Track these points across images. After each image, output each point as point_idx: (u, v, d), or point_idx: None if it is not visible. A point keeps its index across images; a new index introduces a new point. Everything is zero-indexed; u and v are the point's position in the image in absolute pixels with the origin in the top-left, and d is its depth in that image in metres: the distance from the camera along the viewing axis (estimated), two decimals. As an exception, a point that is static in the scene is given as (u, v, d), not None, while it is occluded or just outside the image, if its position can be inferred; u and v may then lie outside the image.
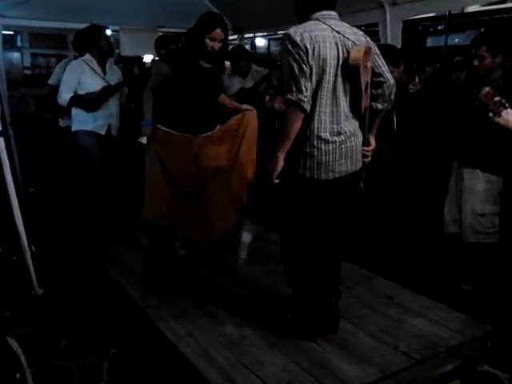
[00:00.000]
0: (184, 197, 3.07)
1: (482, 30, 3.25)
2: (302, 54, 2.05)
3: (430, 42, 9.95)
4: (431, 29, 9.97)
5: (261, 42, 11.67)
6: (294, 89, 2.07)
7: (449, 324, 2.50)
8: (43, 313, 3.02)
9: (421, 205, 3.40)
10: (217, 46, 2.85)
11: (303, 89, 2.05)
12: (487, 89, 2.24)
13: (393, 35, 3.98)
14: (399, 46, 3.79)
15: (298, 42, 2.06)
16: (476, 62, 2.94)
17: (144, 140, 2.98)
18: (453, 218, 3.25)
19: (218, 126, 3.13)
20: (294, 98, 2.06)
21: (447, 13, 8.58)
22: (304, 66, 2.05)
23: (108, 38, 3.97)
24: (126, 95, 4.26)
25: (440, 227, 3.33)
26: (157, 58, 6.97)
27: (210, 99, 3.07)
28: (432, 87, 3.40)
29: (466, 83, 3.78)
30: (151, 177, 3.04)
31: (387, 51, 3.36)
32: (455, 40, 9.54)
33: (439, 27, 9.75)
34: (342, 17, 2.29)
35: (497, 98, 2.11)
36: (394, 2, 3.97)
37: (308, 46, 2.05)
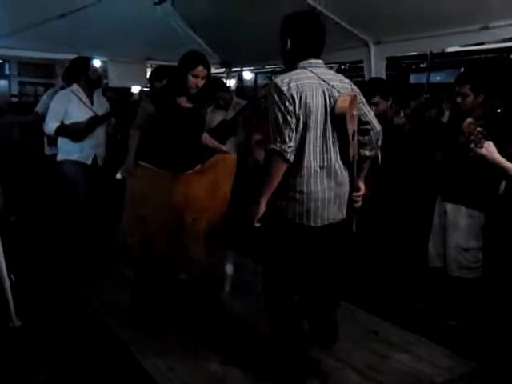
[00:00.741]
0: (157, 230, 3.02)
1: (462, 69, 3.36)
2: (287, 104, 2.08)
3: (412, 79, 10.22)
4: (414, 66, 10.28)
5: (248, 75, 11.85)
6: (278, 139, 2.09)
7: (434, 360, 2.50)
8: (21, 345, 2.92)
9: (405, 239, 3.42)
10: (200, 82, 2.91)
11: (287, 139, 2.08)
12: (469, 119, 2.31)
13: (377, 71, 4.09)
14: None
15: (285, 91, 2.09)
16: (459, 99, 3.03)
17: (118, 176, 3.07)
18: (437, 252, 3.27)
19: (199, 166, 3.14)
20: (277, 148, 2.09)
21: (428, 52, 8.86)
22: (289, 117, 2.08)
23: (96, 69, 4.02)
24: (112, 126, 4.27)
25: (424, 261, 3.34)
26: (145, 89, 7.05)
27: (192, 138, 3.09)
28: (415, 122, 3.46)
29: (449, 120, 3.88)
30: (127, 206, 3.04)
31: (377, 83, 3.47)
32: (437, 78, 9.83)
33: (421, 65, 10.05)
34: (328, 54, 2.35)
35: (478, 129, 2.17)
36: (378, 41, 4.11)
37: (295, 96, 2.09)
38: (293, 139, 2.09)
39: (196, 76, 2.88)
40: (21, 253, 3.89)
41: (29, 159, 5.02)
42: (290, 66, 2.25)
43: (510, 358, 2.69)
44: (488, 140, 2.15)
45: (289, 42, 2.25)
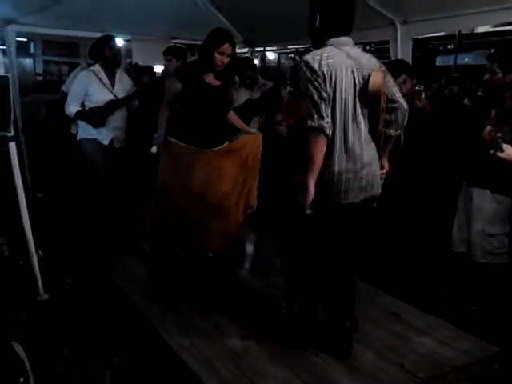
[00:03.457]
0: (189, 208, 3.08)
1: (492, 50, 3.28)
2: (320, 80, 2.07)
3: (439, 60, 9.99)
4: (441, 48, 10.02)
5: (271, 55, 11.75)
6: (315, 115, 2.08)
7: (455, 344, 2.47)
8: (48, 318, 3.01)
9: (429, 222, 3.38)
10: (225, 59, 2.94)
11: (324, 115, 2.07)
12: (489, 127, 2.36)
13: (403, 53, 4.00)
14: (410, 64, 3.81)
15: (317, 68, 2.08)
16: (487, 76, 2.98)
17: (154, 149, 3.06)
18: (461, 237, 3.24)
19: (227, 143, 3.18)
20: (315, 125, 2.07)
21: (457, 32, 8.62)
22: (323, 93, 2.07)
23: (112, 47, 3.99)
24: (136, 107, 4.28)
25: (448, 246, 3.31)
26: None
27: (218, 115, 3.12)
28: (436, 104, 3.39)
29: (475, 103, 3.80)
30: (159, 188, 3.10)
31: (402, 63, 3.42)
32: (465, 59, 9.58)
33: (449, 46, 9.80)
34: (354, 34, 2.31)
35: (498, 135, 2.25)
36: (405, 20, 4.00)
37: (325, 73, 2.08)
38: (329, 115, 2.08)
39: (222, 53, 2.92)
40: (48, 229, 3.99)
41: (55, 138, 5.09)
42: (319, 44, 2.23)
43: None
44: (506, 143, 2.19)
45: (318, 18, 2.22)
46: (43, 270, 3.24)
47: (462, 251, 3.24)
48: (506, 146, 2.21)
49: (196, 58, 3.36)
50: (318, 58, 2.11)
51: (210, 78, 3.02)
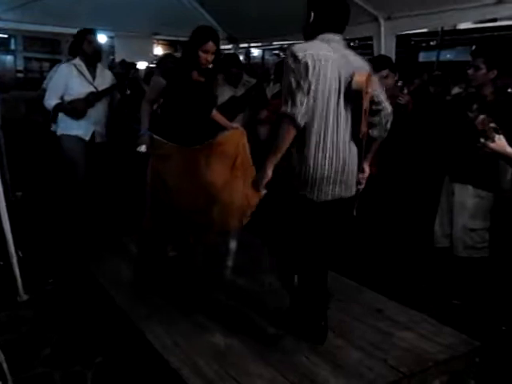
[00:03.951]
0: (182, 207, 3.06)
1: (474, 46, 3.30)
2: (301, 69, 2.08)
3: (422, 56, 10.07)
4: (424, 44, 10.11)
5: (256, 52, 11.72)
6: (289, 102, 2.09)
7: (437, 338, 2.49)
8: (28, 319, 2.96)
9: (411, 218, 3.40)
10: (210, 57, 2.96)
11: (298, 103, 2.08)
12: (483, 116, 2.33)
13: (387, 49, 4.02)
14: (393, 60, 3.83)
15: (300, 58, 2.09)
16: (471, 71, 2.97)
17: (143, 148, 3.02)
18: (443, 232, 3.26)
19: (210, 140, 3.14)
20: (287, 112, 2.09)
21: (440, 29, 8.69)
22: (302, 82, 2.08)
23: (92, 41, 3.91)
24: (118, 100, 4.23)
25: (430, 241, 3.33)
26: (151, 66, 7.00)
27: (203, 112, 3.12)
28: (418, 100, 3.41)
29: (457, 99, 3.82)
30: (152, 190, 3.08)
31: (385, 59, 3.43)
32: (447, 56, 9.68)
33: (431, 43, 9.89)
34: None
35: (492, 125, 2.20)
36: (389, 17, 4.03)
37: (309, 63, 2.09)
38: (304, 104, 2.08)
39: (206, 51, 2.93)
40: (27, 228, 3.92)
41: (35, 135, 5.01)
42: (310, 38, 2.25)
43: (513, 337, 2.71)
44: (499, 134, 2.17)
45: (312, 15, 2.26)
46: (23, 271, 3.19)
47: (444, 246, 3.26)
48: (497, 137, 2.18)
49: (179, 54, 3.33)
50: (304, 48, 2.14)
51: (194, 75, 3.02)
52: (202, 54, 2.92)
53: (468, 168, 3.04)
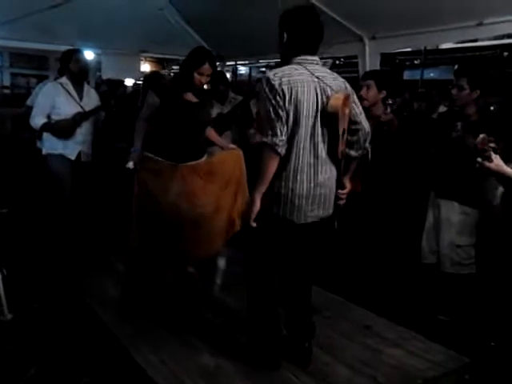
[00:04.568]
0: (170, 224, 3.05)
1: (456, 66, 3.37)
2: (278, 98, 2.09)
3: (406, 75, 10.25)
4: (408, 63, 10.30)
5: (243, 69, 11.82)
6: (269, 132, 2.10)
7: (426, 355, 2.49)
8: (12, 339, 2.90)
9: (398, 235, 3.42)
10: (204, 79, 2.97)
11: (278, 132, 2.09)
12: (483, 135, 2.38)
13: (371, 67, 4.09)
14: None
15: (276, 85, 2.10)
16: (454, 91, 3.02)
17: (131, 165, 3.02)
18: (430, 248, 3.28)
19: (204, 157, 3.17)
20: (269, 142, 2.10)
21: (423, 48, 8.88)
22: (280, 111, 2.09)
23: (79, 61, 3.90)
24: (102, 120, 4.22)
25: (417, 257, 3.35)
26: (138, 82, 7.02)
27: (196, 131, 3.11)
28: (401, 118, 3.45)
29: (443, 117, 3.88)
30: (139, 207, 3.06)
31: (375, 72, 3.49)
32: (430, 74, 9.87)
33: (415, 61, 10.08)
34: (323, 48, 2.34)
35: (492, 145, 2.25)
36: (373, 36, 4.11)
37: (285, 90, 2.09)
38: (284, 133, 2.10)
39: (201, 74, 2.94)
40: (12, 246, 3.86)
41: (21, 152, 4.97)
42: (285, 61, 2.25)
43: (501, 353, 2.71)
44: (497, 153, 2.22)
45: (285, 36, 2.25)
46: (7, 289, 3.13)
47: (431, 262, 3.28)
48: (494, 156, 2.23)
49: (167, 71, 3.36)
50: (279, 75, 2.13)
51: (188, 96, 3.02)
52: (196, 76, 2.93)
53: (453, 184, 3.08)
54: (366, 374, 2.33)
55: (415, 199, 3.47)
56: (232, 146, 3.37)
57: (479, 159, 2.25)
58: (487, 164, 2.24)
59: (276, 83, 2.10)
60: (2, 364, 2.65)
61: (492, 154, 2.22)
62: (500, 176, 2.30)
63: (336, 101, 2.15)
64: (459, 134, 2.99)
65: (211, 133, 3.31)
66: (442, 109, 5.24)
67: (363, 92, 3.19)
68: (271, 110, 2.10)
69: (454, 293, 3.10)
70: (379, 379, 2.29)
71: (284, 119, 2.09)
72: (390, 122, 3.30)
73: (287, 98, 2.09)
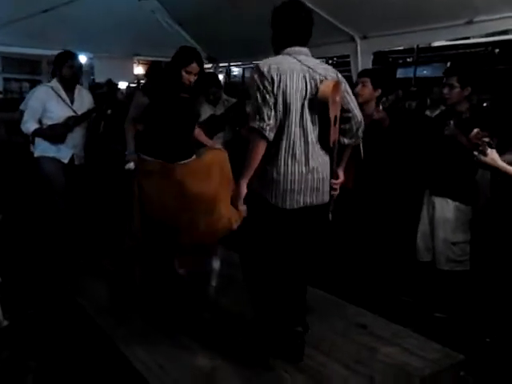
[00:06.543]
0: (164, 225, 3.07)
1: (449, 63, 3.39)
2: (266, 84, 2.14)
3: (399, 73, 10.26)
4: (400, 61, 10.31)
5: (236, 70, 11.82)
6: (256, 117, 2.14)
7: (422, 353, 2.50)
8: (8, 346, 2.89)
9: (393, 232, 3.43)
10: (192, 78, 2.99)
11: (265, 117, 2.13)
12: (477, 129, 2.40)
13: (364, 66, 4.09)
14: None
15: (265, 72, 2.15)
16: (445, 91, 3.06)
17: (131, 165, 3.06)
18: (426, 245, 3.29)
19: (194, 157, 3.18)
20: (256, 126, 2.14)
21: (415, 46, 8.89)
22: (267, 96, 2.13)
23: (72, 67, 3.85)
24: (92, 120, 4.17)
25: (413, 255, 3.36)
26: (132, 85, 7.01)
27: (187, 128, 3.14)
28: (394, 115, 3.46)
29: (437, 115, 3.90)
30: (140, 207, 3.08)
31: (371, 70, 3.51)
32: (423, 72, 9.88)
33: (408, 59, 10.09)
34: (315, 48, 2.38)
35: (486, 139, 2.29)
36: (365, 36, 4.11)
37: (274, 77, 2.14)
38: (271, 117, 2.13)
39: (189, 72, 2.96)
40: (8, 252, 3.84)
41: (15, 157, 4.95)
42: (276, 53, 2.31)
43: (497, 350, 2.73)
44: (492, 148, 2.25)
45: (275, 30, 2.32)
46: (2, 295, 3.11)
47: (426, 260, 3.29)
48: (490, 151, 2.26)
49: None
50: (269, 62, 2.19)
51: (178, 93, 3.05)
52: (185, 75, 2.95)
53: (447, 182, 3.10)
54: (363, 373, 2.33)
55: (409, 197, 3.48)
56: (218, 146, 3.41)
57: (475, 153, 2.28)
58: (483, 158, 2.28)
59: (265, 70, 2.16)
60: (-1, 371, 2.64)
61: (487, 148, 2.26)
62: (495, 170, 2.33)
63: (326, 87, 2.19)
64: (452, 131, 3.00)
65: (197, 131, 3.33)
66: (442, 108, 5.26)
67: (358, 89, 3.21)
68: (259, 95, 2.15)
69: (449, 290, 3.11)
70: (375, 378, 2.29)
71: (271, 104, 2.13)
72: (381, 119, 3.31)
73: (276, 83, 2.14)
